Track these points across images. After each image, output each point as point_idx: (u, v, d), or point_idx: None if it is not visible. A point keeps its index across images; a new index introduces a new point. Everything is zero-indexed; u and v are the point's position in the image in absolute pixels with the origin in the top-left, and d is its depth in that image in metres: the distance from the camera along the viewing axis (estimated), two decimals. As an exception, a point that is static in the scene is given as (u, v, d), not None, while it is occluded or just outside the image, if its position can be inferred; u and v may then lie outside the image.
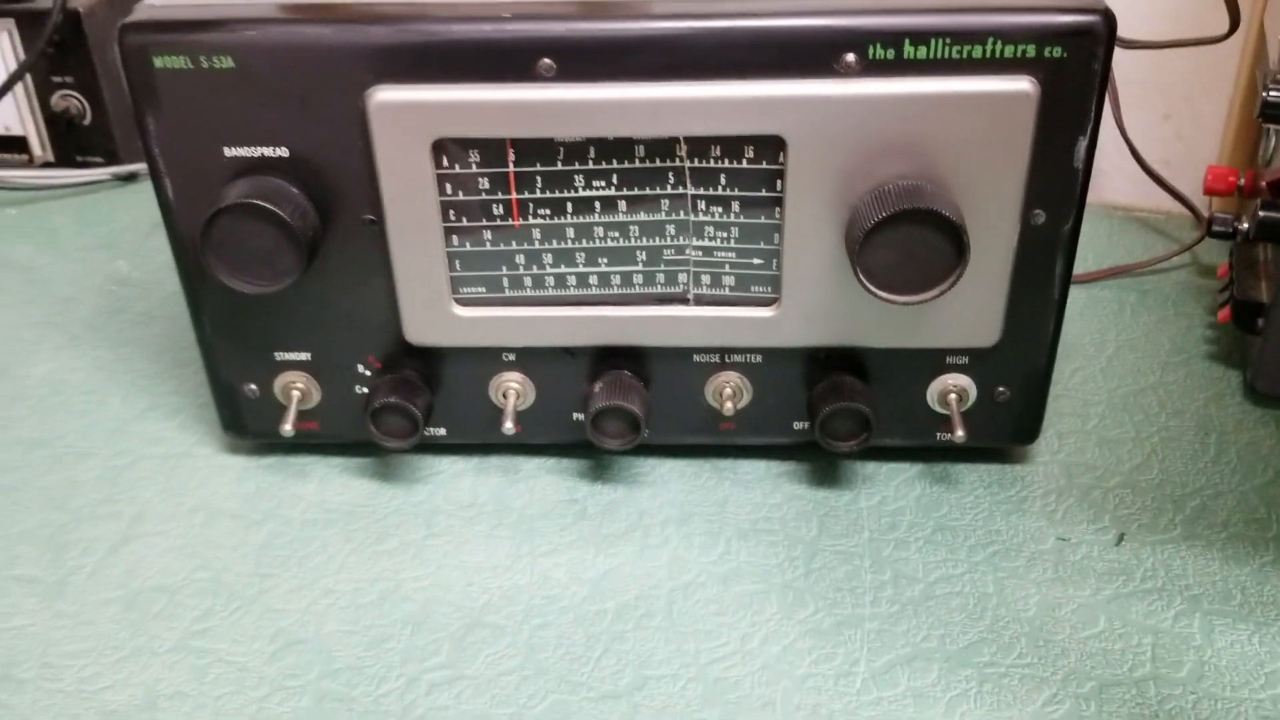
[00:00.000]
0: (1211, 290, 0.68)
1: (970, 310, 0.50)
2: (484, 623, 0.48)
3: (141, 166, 0.83)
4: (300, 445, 0.57)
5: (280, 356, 0.53)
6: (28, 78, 0.78)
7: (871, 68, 0.45)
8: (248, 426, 0.55)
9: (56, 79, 0.79)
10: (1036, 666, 0.46)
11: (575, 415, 0.54)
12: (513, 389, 0.53)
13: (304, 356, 0.53)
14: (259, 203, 0.46)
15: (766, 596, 0.49)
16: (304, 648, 0.47)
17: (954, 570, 0.50)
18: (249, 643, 0.47)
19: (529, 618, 0.48)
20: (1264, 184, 0.60)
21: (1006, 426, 0.54)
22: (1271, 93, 0.53)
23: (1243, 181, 0.67)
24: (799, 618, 0.48)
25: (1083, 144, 0.46)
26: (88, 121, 0.80)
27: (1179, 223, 0.75)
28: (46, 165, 0.82)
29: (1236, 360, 0.62)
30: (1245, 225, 0.62)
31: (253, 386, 0.54)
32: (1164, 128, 0.77)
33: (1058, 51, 0.44)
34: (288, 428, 0.53)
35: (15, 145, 0.82)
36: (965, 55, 0.44)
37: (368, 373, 0.53)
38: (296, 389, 0.53)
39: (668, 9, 0.45)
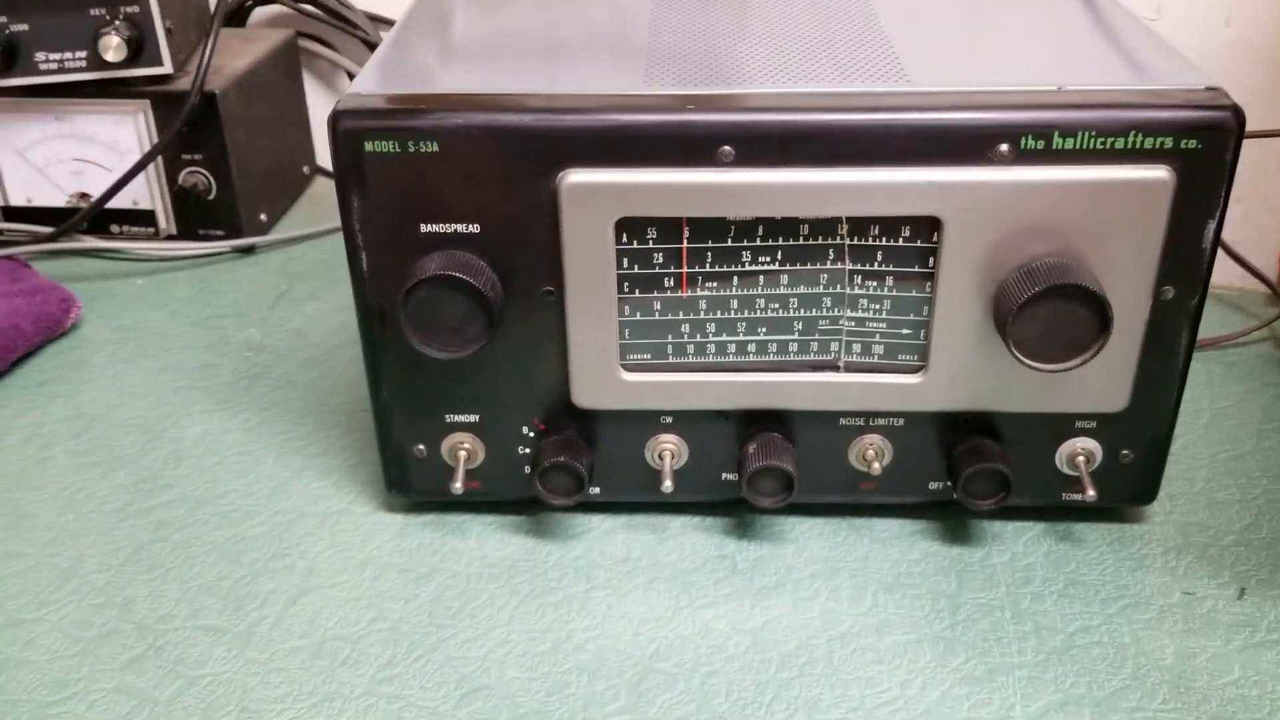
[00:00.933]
0: (1292, 363, 0.72)
1: (1102, 378, 0.54)
2: (656, 670, 0.51)
3: (259, 240, 0.87)
4: (454, 504, 0.60)
5: (450, 418, 0.57)
6: (159, 155, 0.82)
7: (1023, 157, 0.49)
8: (413, 485, 0.59)
9: (186, 156, 0.83)
10: (1181, 712, 0.49)
11: (724, 475, 0.58)
12: (669, 450, 0.57)
13: (473, 418, 0.57)
14: (458, 275, 0.50)
15: (919, 646, 0.52)
16: (489, 693, 0.50)
17: (1091, 622, 0.53)
18: (436, 689, 0.50)
19: (698, 666, 0.51)
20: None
21: (1128, 487, 0.57)
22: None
23: (1316, 260, 0.72)
24: (952, 665, 0.51)
25: (1211, 226, 0.51)
26: (212, 196, 0.85)
27: (1253, 298, 0.79)
28: (170, 238, 0.86)
29: (1325, 428, 0.66)
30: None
31: (421, 447, 0.57)
32: (1234, 209, 0.81)
33: (1193, 144, 0.49)
34: (458, 486, 0.56)
35: (143, 219, 0.86)
36: (1109, 146, 0.49)
37: (532, 434, 0.57)
38: (464, 449, 0.57)
39: (837, 102, 0.50)
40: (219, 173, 0.84)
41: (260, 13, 0.98)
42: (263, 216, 0.89)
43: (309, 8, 0.95)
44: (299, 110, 0.96)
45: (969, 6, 0.62)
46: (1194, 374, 0.72)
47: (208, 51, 0.80)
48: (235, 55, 0.88)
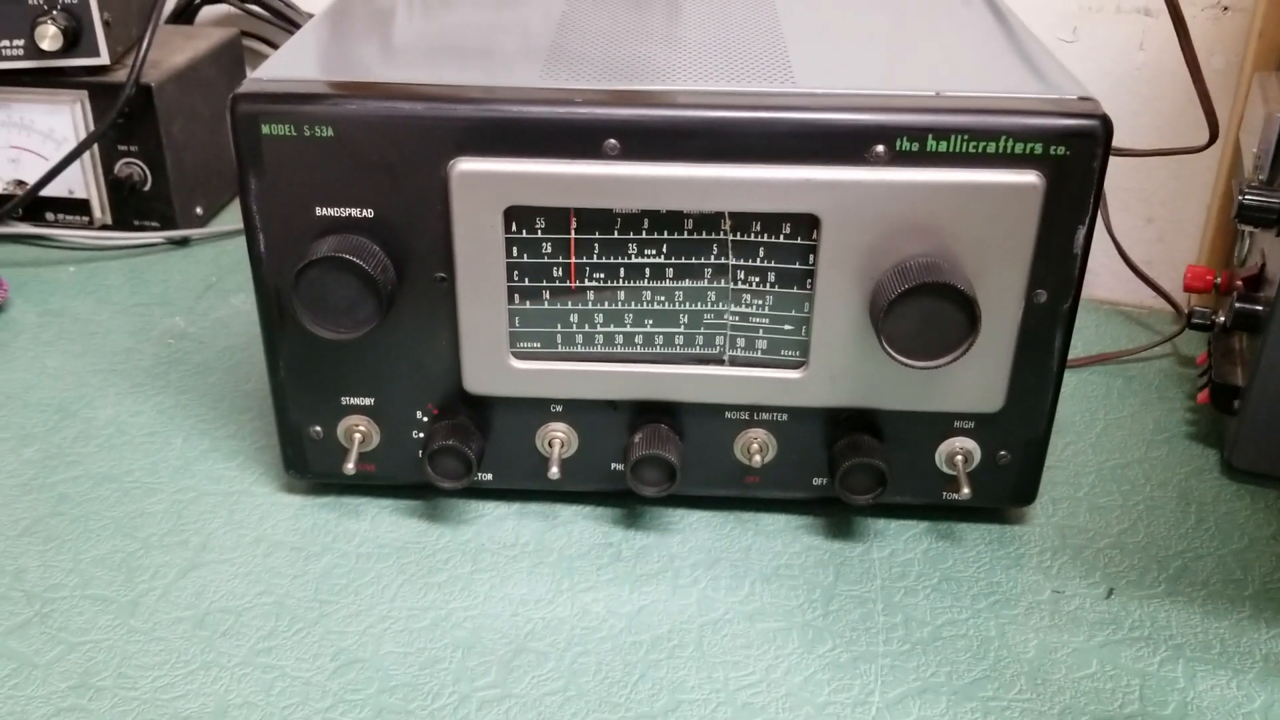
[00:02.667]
0: (1191, 377, 0.74)
1: (977, 378, 0.55)
2: (529, 649, 0.52)
3: (194, 232, 0.89)
4: (352, 486, 0.61)
5: (346, 401, 0.58)
6: (94, 145, 0.84)
7: (898, 158, 0.51)
8: (309, 466, 0.60)
9: (122, 147, 0.85)
10: (1035, 701, 0.50)
11: (613, 465, 0.59)
12: (558, 438, 0.58)
13: (368, 402, 0.58)
14: (348, 257, 0.51)
15: (788, 634, 0.53)
16: (363, 666, 0.51)
17: (959, 615, 0.54)
18: (311, 660, 0.51)
19: (570, 646, 0.52)
20: (1239, 280, 0.66)
21: (1007, 488, 0.59)
22: (1247, 197, 0.59)
23: (1219, 280, 0.74)
24: (818, 653, 0.52)
25: (1081, 232, 0.52)
26: (148, 188, 0.86)
27: (1160, 316, 0.81)
28: (105, 227, 0.87)
29: (1214, 440, 0.68)
30: (1222, 318, 0.68)
31: (317, 429, 0.59)
32: (1147, 230, 0.83)
33: (1062, 150, 0.50)
34: (350, 467, 0.57)
35: (77, 207, 0.87)
36: (981, 150, 0.51)
37: (425, 419, 0.58)
38: (359, 432, 0.58)
39: (721, 100, 0.51)
40: (154, 165, 0.85)
41: (208, 12, 0.99)
42: (199, 210, 0.91)
43: (255, 8, 0.96)
44: (243, 108, 0.97)
45: (876, 18, 0.64)
46: (1094, 386, 0.73)
47: (145, 45, 0.81)
48: (176, 51, 0.90)
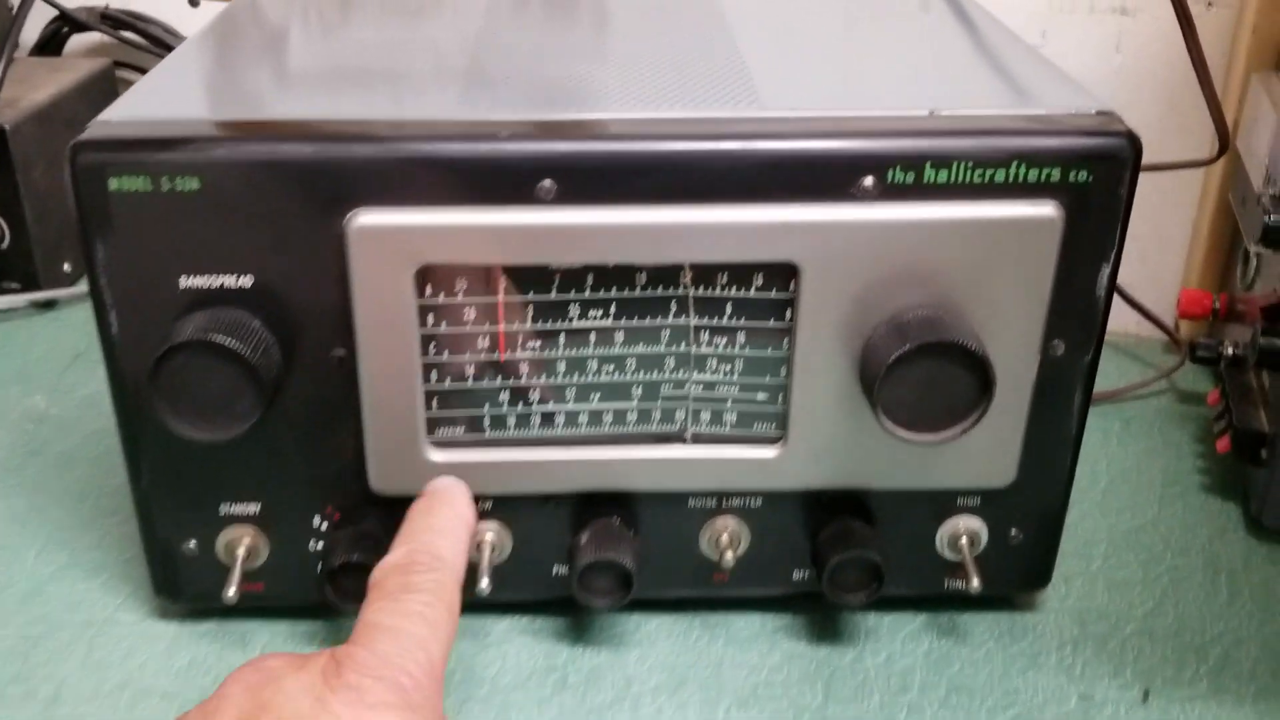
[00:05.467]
0: (1194, 417, 0.66)
1: (986, 448, 0.46)
2: (467, 812, 0.42)
3: (61, 293, 0.77)
4: (240, 608, 0.50)
5: (226, 509, 0.47)
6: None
7: (890, 192, 0.42)
8: (183, 589, 0.49)
9: (-28, 199, 0.73)
10: (1086, 843, 0.41)
11: (556, 569, 0.49)
12: (488, 541, 0.48)
13: (252, 509, 0.47)
14: (218, 339, 0.41)
15: (781, 771, 0.44)
16: None
17: (980, 734, 0.46)
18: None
19: (518, 804, 0.43)
20: (1254, 309, 0.59)
21: (1019, 571, 0.50)
22: (1274, 217, 0.52)
23: (1217, 304, 0.66)
24: (820, 794, 0.43)
25: (1106, 271, 0.44)
26: (5, 245, 0.74)
27: (1149, 346, 0.74)
28: (-46, 291, 0.76)
29: (1233, 491, 0.60)
30: (1231, 350, 0.61)
31: (192, 544, 0.48)
32: (1129, 248, 0.75)
33: (1083, 175, 0.42)
34: (231, 593, 0.47)
35: (-76, 268, 0.75)
36: (988, 179, 0.42)
37: (325, 526, 0.48)
38: (242, 546, 0.48)
39: (677, 129, 0.42)
40: (13, 218, 0.74)
41: (79, 40, 0.88)
42: (66, 267, 0.79)
43: (131, 35, 0.85)
44: (115, 147, 0.86)
45: (838, 26, 0.56)
46: (1090, 431, 0.64)
47: (-6, 80, 0.70)
48: (38, 86, 0.79)
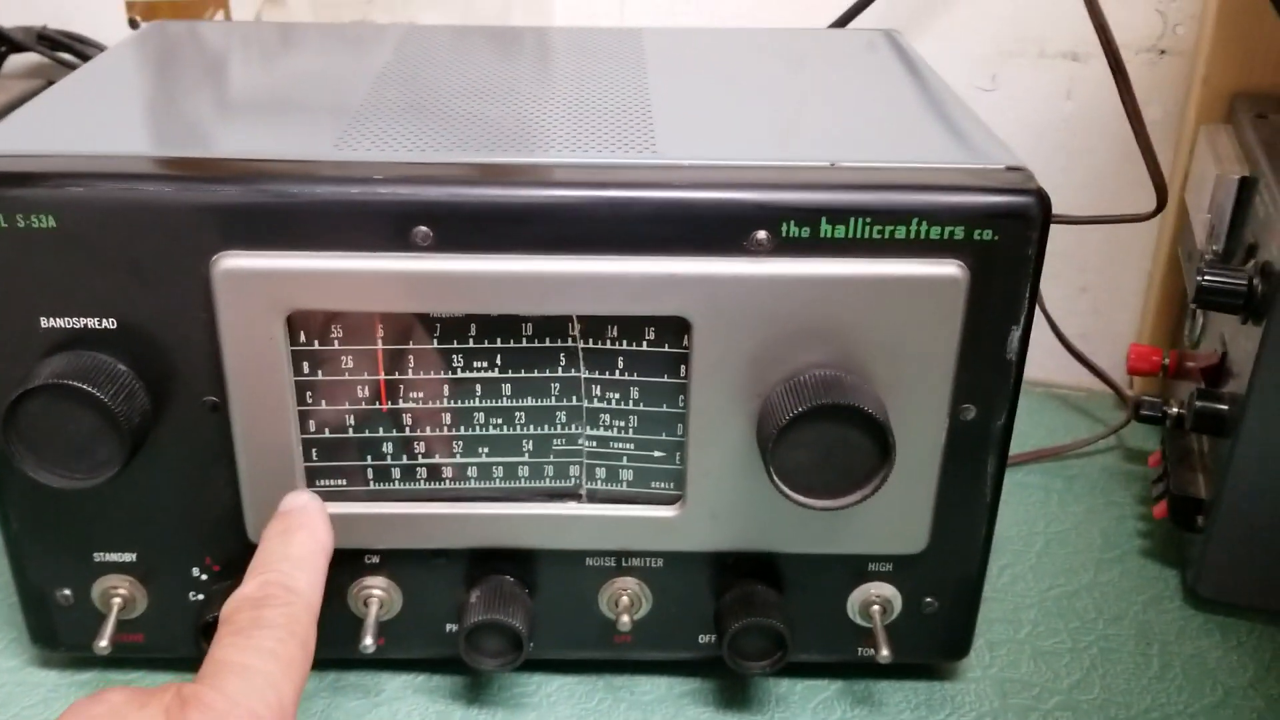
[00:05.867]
0: (1140, 476, 0.64)
1: (894, 514, 0.44)
2: None
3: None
4: (122, 659, 0.48)
5: (100, 558, 0.45)
6: None
7: (784, 246, 0.40)
8: (60, 638, 0.47)
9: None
10: None
11: (449, 626, 0.47)
12: (375, 597, 0.46)
13: (128, 558, 0.45)
14: (74, 383, 0.39)
15: None
16: None
17: (882, 814, 0.43)
18: None
19: None
20: (1196, 369, 0.57)
21: (935, 640, 0.48)
22: (1206, 278, 0.50)
23: (1167, 361, 0.64)
24: None
25: (1015, 334, 0.42)
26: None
27: (1100, 401, 0.71)
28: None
29: (1172, 558, 0.58)
30: (1175, 410, 0.59)
31: (66, 592, 0.46)
32: (1081, 300, 0.74)
33: (988, 234, 0.40)
34: (103, 644, 0.45)
35: None
36: (887, 236, 0.40)
37: (204, 577, 0.46)
38: (118, 595, 0.46)
39: (562, 176, 0.40)
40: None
41: (16, 61, 0.86)
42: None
43: (67, 57, 0.84)
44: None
45: (765, 72, 0.54)
46: (1030, 489, 0.63)
47: (-86, 101, 0.68)
48: (-29, 108, 0.77)
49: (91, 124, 0.45)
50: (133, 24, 0.79)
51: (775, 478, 0.41)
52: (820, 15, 0.68)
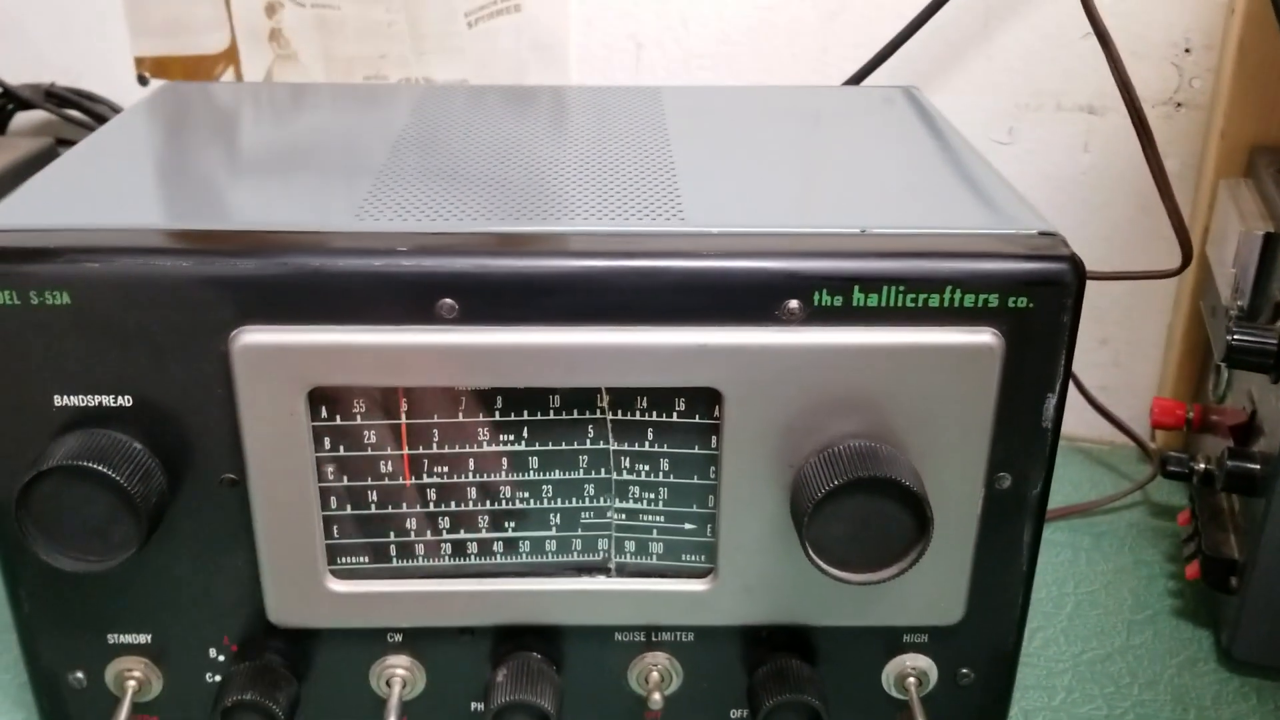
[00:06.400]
0: (1167, 533, 0.63)
1: (930, 585, 0.43)
2: None
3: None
4: (138, 738, 0.47)
5: (115, 639, 0.44)
6: None
7: (817, 315, 0.39)
8: (72, 720, 0.46)
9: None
10: None
11: (473, 704, 0.46)
12: (399, 676, 0.45)
13: (143, 639, 0.44)
14: (89, 465, 0.38)
15: None
16: None
17: None
18: None
19: None
20: (1224, 426, 0.56)
21: (970, 712, 0.47)
22: (1236, 337, 0.49)
23: (1191, 415, 0.63)
24: None
25: (1051, 401, 0.41)
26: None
27: (1124, 455, 0.70)
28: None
29: (1204, 618, 0.57)
30: (1202, 466, 0.58)
31: (79, 674, 0.45)
32: (1102, 353, 0.73)
33: (1023, 302, 0.39)
34: (119, 728, 0.43)
35: None
36: (921, 304, 0.39)
37: (222, 658, 0.44)
38: (133, 678, 0.44)
39: (589, 245, 0.40)
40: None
41: (23, 118, 0.86)
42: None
43: (76, 114, 0.83)
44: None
45: (780, 137, 0.53)
46: (1058, 547, 0.62)
47: (-79, 165, 0.68)
48: (-25, 167, 0.76)
49: (105, 195, 0.45)
50: (142, 80, 0.79)
51: (811, 552, 0.40)
52: (836, 71, 0.68)
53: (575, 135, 0.52)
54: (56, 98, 0.83)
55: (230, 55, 0.79)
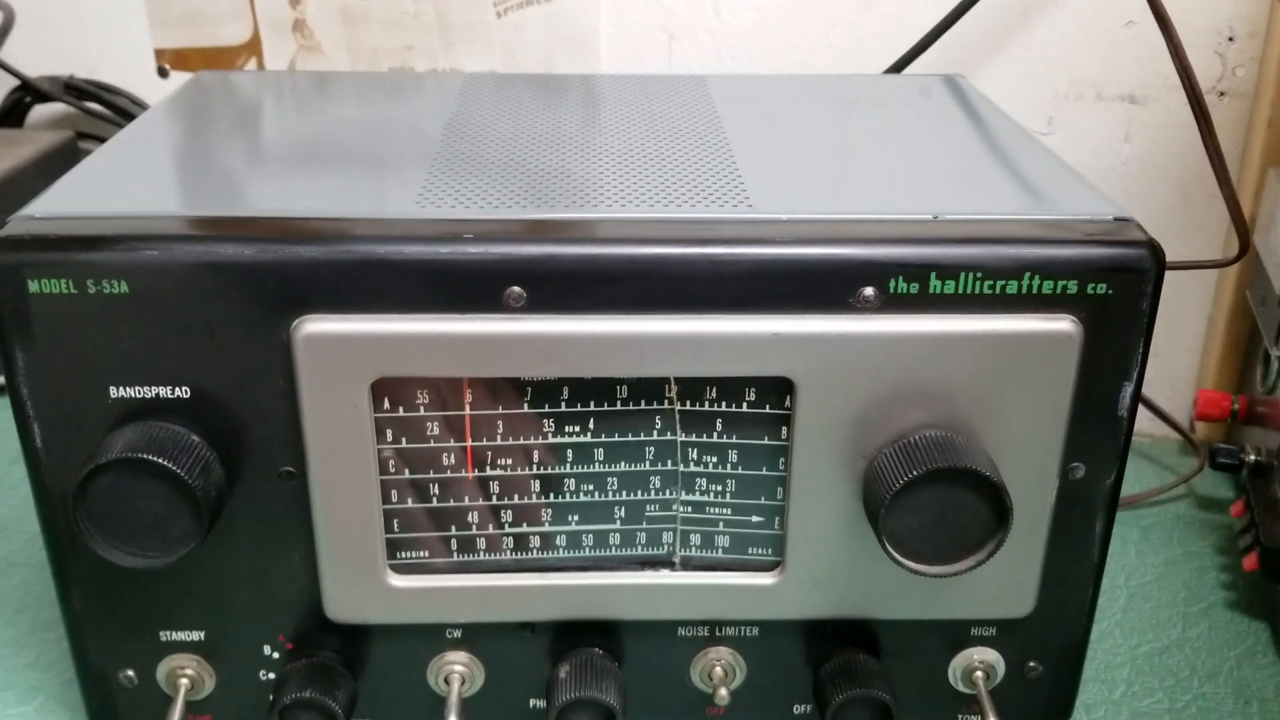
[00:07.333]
0: (1215, 525, 0.62)
1: (1001, 577, 0.42)
2: None
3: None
4: (186, 738, 0.46)
5: (166, 636, 0.43)
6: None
7: (892, 303, 0.38)
8: (122, 720, 0.45)
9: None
10: None
11: (533, 701, 0.45)
12: (458, 673, 0.44)
13: (196, 636, 0.43)
14: (149, 457, 0.37)
15: None
16: None
17: None
18: None
19: None
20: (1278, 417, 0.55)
21: (1037, 705, 0.46)
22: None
23: (1236, 406, 0.63)
24: None
25: (1128, 390, 0.40)
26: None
27: (1165, 446, 0.70)
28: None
29: (1259, 609, 0.56)
30: (1253, 458, 0.57)
31: (130, 673, 0.44)
32: (1139, 346, 0.72)
33: (1102, 288, 0.39)
34: (173, 728, 0.42)
35: None
36: (998, 291, 0.39)
37: (276, 655, 0.43)
38: (185, 676, 0.43)
39: (659, 233, 0.39)
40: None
41: (41, 111, 0.85)
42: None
43: (95, 106, 0.82)
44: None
45: (834, 119, 0.53)
46: (1105, 541, 0.61)
47: (-56, 157, 0.66)
48: (-4, 160, 0.75)
49: (156, 183, 0.44)
50: (162, 72, 0.78)
51: (887, 544, 0.39)
52: (871, 62, 0.67)
53: (627, 123, 0.51)
54: (76, 90, 0.81)
55: (253, 47, 0.77)
